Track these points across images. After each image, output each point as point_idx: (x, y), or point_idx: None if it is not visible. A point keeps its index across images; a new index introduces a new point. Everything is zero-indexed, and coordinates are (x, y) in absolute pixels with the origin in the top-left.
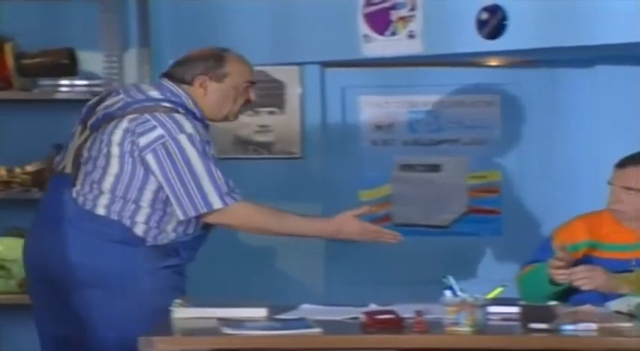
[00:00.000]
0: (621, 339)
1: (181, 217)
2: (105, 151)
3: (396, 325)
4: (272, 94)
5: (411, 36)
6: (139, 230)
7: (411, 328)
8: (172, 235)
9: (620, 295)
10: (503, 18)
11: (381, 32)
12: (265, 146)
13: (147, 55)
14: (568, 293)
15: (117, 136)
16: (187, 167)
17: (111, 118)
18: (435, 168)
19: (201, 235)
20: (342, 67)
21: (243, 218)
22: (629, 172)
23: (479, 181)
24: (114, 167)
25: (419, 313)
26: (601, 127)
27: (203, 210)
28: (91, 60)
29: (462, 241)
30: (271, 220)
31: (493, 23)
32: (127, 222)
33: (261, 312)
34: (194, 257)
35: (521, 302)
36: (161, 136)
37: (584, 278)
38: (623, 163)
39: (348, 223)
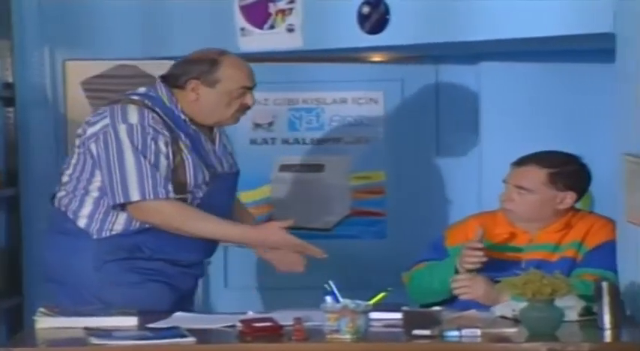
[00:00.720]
0: (506, 345)
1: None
2: (75, 143)
3: (275, 333)
4: None
5: (290, 30)
6: (81, 223)
7: (290, 336)
8: (120, 228)
9: None
10: (386, 12)
11: (258, 26)
12: None
13: (8, 47)
14: (454, 297)
15: (80, 128)
16: (118, 156)
17: None
18: (317, 168)
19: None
20: None
21: (162, 216)
22: (523, 171)
23: (362, 181)
24: (74, 158)
25: (298, 320)
26: (485, 124)
27: (120, 200)
28: None
29: (345, 245)
30: (193, 221)
31: (375, 17)
32: (71, 214)
33: (131, 321)
34: (177, 255)
35: (405, 308)
36: (105, 126)
37: (464, 287)
38: (519, 162)
39: (273, 233)
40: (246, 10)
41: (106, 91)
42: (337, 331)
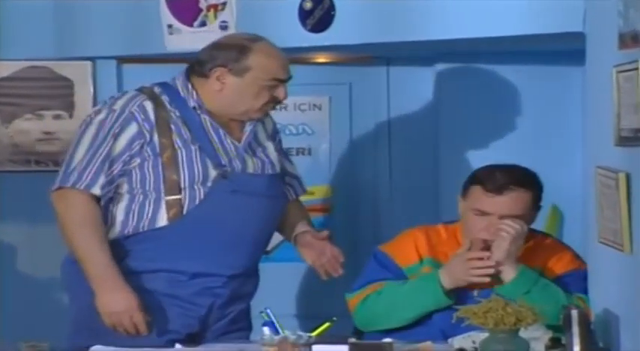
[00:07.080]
0: None
1: None
2: None
3: None
4: (59, 95)
5: (223, 27)
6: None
7: None
8: (118, 229)
9: (467, 329)
10: (331, 8)
11: (188, 22)
12: (50, 157)
13: None
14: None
15: None
16: (78, 139)
17: None
18: None
19: (165, 232)
20: (142, 62)
21: (64, 205)
22: (510, 199)
23: (306, 198)
24: None
25: None
26: (443, 132)
27: (54, 186)
28: None
29: (286, 269)
30: (74, 224)
31: (319, 14)
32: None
33: None
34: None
35: (352, 340)
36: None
37: (508, 227)
38: (499, 189)
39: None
40: (173, 4)
41: (15, 96)
42: None
